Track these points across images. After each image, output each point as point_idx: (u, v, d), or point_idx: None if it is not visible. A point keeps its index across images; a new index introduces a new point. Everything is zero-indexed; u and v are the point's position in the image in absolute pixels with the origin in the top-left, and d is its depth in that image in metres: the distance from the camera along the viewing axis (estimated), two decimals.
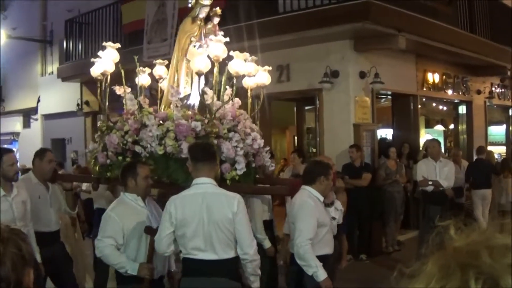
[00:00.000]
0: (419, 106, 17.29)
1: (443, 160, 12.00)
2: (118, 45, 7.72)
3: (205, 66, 6.96)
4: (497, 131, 24.09)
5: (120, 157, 7.28)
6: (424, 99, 18.06)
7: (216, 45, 6.93)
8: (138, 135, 7.13)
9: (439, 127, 22.11)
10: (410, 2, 13.94)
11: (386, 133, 19.45)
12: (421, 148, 16.11)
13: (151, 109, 7.54)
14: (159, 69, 8.06)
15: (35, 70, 25.69)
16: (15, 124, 26.86)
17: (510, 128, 24.05)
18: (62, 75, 21.76)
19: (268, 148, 7.93)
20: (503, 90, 21.98)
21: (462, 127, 20.25)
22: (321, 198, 6.99)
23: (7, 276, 2.09)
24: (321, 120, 14.27)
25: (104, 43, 7.83)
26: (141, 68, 8.16)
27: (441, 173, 11.47)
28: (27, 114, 26.20)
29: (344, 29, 12.87)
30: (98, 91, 7.67)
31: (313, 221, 6.70)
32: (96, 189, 9.52)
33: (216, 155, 6.12)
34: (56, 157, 22.94)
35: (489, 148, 20.19)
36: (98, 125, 7.86)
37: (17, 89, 25.98)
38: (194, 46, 7.76)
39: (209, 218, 5.57)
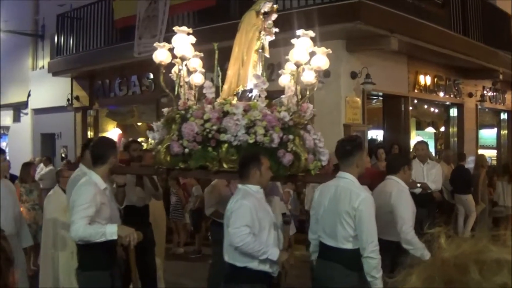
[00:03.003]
0: (410, 108, 17.27)
1: (431, 162, 11.95)
2: (187, 29, 7.32)
3: (304, 58, 6.91)
4: (488, 134, 24.12)
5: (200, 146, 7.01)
6: (415, 101, 18.05)
7: (321, 57, 7.04)
8: (218, 124, 6.86)
9: (430, 129, 22.11)
10: (403, 3, 13.93)
11: (376, 134, 19.44)
12: (411, 150, 16.09)
13: (233, 99, 7.25)
14: (194, 62, 7.76)
15: (26, 64, 25.59)
16: (5, 118, 26.69)
17: (501, 131, 24.10)
18: (53, 70, 21.67)
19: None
20: (494, 93, 22.00)
21: (453, 129, 20.24)
22: (406, 187, 7.55)
23: None
24: (311, 119, 14.17)
25: (174, 28, 7.39)
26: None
27: (428, 176, 11.41)
28: (17, 108, 26.08)
29: (336, 29, 12.82)
30: (163, 78, 7.21)
31: (411, 207, 7.29)
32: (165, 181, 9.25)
33: (353, 153, 6.35)
34: (46, 152, 23.00)
35: (480, 151, 20.22)
36: (164, 112, 7.46)
37: (7, 83, 25.80)
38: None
39: (333, 208, 6.08)
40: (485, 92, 21.13)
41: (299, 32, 7.00)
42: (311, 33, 7.00)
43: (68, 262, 9.58)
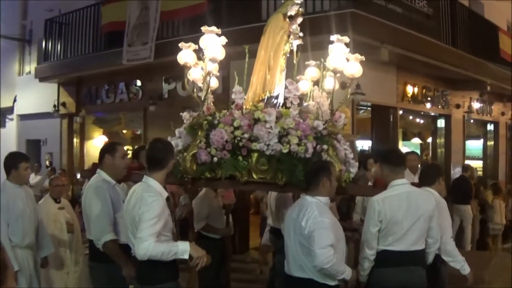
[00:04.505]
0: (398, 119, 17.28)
1: (406, 171, 11.93)
2: (216, 29, 6.88)
3: (342, 64, 6.55)
4: (475, 145, 24.21)
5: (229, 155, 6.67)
6: (403, 112, 18.05)
7: (354, 64, 6.62)
8: (250, 132, 6.54)
9: (416, 140, 22.14)
10: (393, 14, 13.94)
11: (363, 144, 19.40)
12: None
13: (261, 105, 6.89)
14: (210, 66, 7.25)
15: (13, 69, 25.31)
16: None
17: (488, 142, 24.21)
18: (40, 75, 21.51)
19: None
20: (482, 104, 22.05)
21: (440, 140, 20.27)
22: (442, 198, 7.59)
23: None
24: None
25: (202, 28, 6.96)
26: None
27: None
28: (3, 114, 25.76)
29: (327, 39, 12.77)
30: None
31: (449, 218, 7.50)
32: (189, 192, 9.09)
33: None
34: (31, 158, 22.77)
35: (466, 162, 20.28)
36: (187, 119, 7.05)
37: None
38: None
39: (416, 213, 6.22)
40: (472, 103, 21.21)
41: (334, 37, 6.61)
42: (346, 38, 6.61)
43: (64, 283, 9.43)
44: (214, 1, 15.08)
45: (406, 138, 21.33)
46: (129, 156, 9.27)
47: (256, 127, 6.45)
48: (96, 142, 21.89)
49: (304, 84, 7.65)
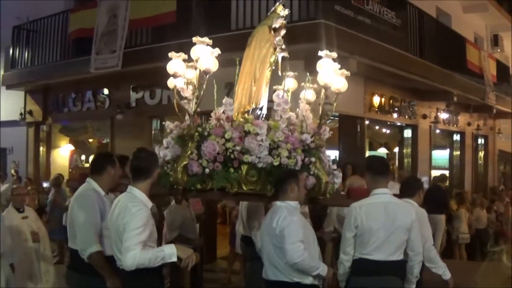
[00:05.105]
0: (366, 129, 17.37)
1: (391, 182, 12.00)
2: (208, 40, 6.86)
3: (332, 79, 6.72)
4: (441, 155, 24.40)
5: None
6: (370, 122, 18.15)
7: (340, 79, 6.80)
8: (242, 144, 6.62)
9: (383, 150, 22.25)
10: (362, 25, 14.02)
11: (330, 154, 19.41)
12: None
13: (251, 117, 6.98)
14: (189, 74, 7.15)
15: None
16: None
17: (454, 152, 24.43)
18: (7, 83, 21.24)
19: None
20: (448, 115, 22.25)
21: (407, 150, 20.43)
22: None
23: None
24: None
25: (194, 39, 6.82)
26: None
27: None
28: None
29: (296, 49, 12.81)
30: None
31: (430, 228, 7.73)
32: (180, 202, 9.11)
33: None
34: None
35: (433, 172, 20.46)
36: (170, 128, 7.06)
37: None
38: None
39: (392, 224, 6.24)
40: (439, 113, 21.43)
41: (322, 53, 6.78)
42: (334, 54, 6.76)
43: None
44: (183, 10, 15.02)
45: (373, 148, 21.40)
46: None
47: (247, 139, 6.57)
48: (63, 150, 21.74)
49: (279, 96, 7.62)
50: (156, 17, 15.38)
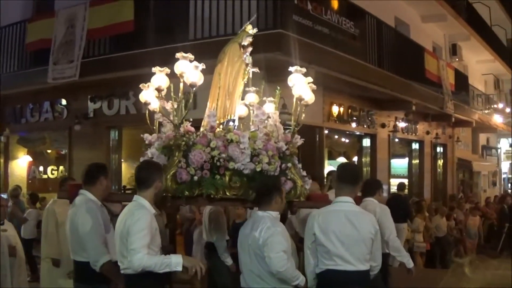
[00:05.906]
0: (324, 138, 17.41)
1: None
2: (191, 55, 7.27)
3: (305, 92, 7.44)
4: (400, 164, 24.60)
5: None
6: (329, 131, 18.19)
7: (307, 91, 7.52)
8: (227, 152, 6.94)
9: (342, 159, 22.31)
10: (320, 35, 14.04)
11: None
12: (325, 180, 16.14)
13: (231, 127, 7.40)
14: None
15: None
16: None
17: (412, 161, 24.62)
18: None
19: None
20: (407, 124, 22.42)
21: (366, 159, 20.59)
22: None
23: None
24: None
25: (177, 55, 7.21)
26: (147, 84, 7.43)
27: None
28: None
29: (255, 59, 12.78)
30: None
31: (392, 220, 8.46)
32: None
33: (360, 178, 7.06)
34: None
35: (392, 180, 20.58)
36: (149, 140, 7.31)
37: None
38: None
39: (352, 233, 6.26)
40: (397, 122, 21.60)
41: (292, 69, 7.52)
42: (303, 69, 7.55)
43: None
44: (141, 19, 14.92)
45: (332, 157, 21.45)
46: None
47: (230, 147, 6.91)
48: (21, 162, 21.48)
49: (242, 109, 8.06)
50: (114, 26, 15.25)
